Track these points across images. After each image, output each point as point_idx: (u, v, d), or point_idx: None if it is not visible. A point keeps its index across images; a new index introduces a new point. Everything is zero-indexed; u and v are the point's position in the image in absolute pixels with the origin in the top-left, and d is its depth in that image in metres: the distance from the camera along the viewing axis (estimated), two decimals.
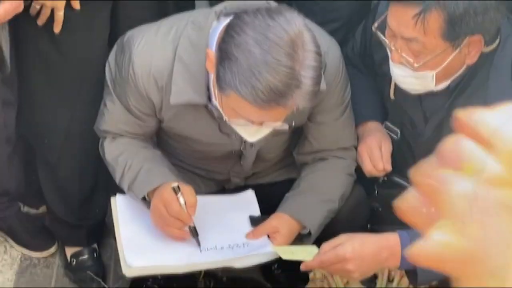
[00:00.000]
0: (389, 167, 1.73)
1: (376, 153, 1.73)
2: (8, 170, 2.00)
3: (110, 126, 1.70)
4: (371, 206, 1.89)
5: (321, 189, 1.72)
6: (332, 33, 1.77)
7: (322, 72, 1.44)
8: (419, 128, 1.76)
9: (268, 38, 1.36)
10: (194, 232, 1.62)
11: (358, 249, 1.49)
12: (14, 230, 2.14)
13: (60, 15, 1.68)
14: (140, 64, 1.57)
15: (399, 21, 1.52)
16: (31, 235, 2.16)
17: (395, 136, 1.82)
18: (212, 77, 1.49)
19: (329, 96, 1.67)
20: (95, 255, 2.11)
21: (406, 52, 1.54)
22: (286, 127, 1.55)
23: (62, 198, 2.05)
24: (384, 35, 1.59)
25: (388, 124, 1.83)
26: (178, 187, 1.58)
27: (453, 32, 1.49)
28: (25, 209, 2.21)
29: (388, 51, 1.60)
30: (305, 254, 1.57)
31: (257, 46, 1.36)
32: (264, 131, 1.56)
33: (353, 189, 1.78)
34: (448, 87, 1.63)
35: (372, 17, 1.75)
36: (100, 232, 2.16)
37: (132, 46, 1.59)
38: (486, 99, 1.57)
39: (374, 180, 1.88)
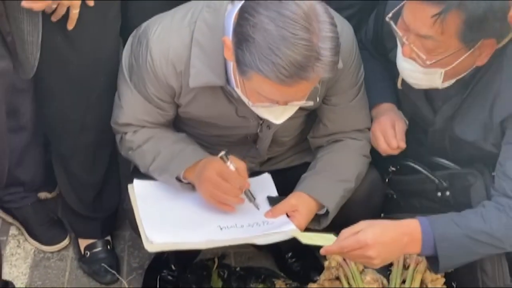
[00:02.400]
0: (403, 145, 1.74)
1: (389, 132, 1.74)
2: (23, 160, 2.01)
3: (130, 119, 1.71)
4: (385, 193, 1.91)
5: (338, 169, 1.73)
6: (347, 19, 1.79)
7: (338, 42, 1.45)
8: (428, 118, 1.78)
9: (282, 14, 1.38)
10: (251, 196, 1.66)
11: (379, 235, 1.49)
12: (29, 222, 2.16)
13: (75, 13, 1.72)
14: (158, 51, 1.59)
15: (416, 17, 1.52)
16: (45, 228, 2.16)
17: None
18: (232, 64, 1.51)
19: (343, 77, 1.69)
20: (108, 247, 2.12)
21: (419, 48, 1.54)
22: (311, 103, 1.56)
23: (76, 190, 2.05)
24: (396, 25, 1.58)
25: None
26: (226, 155, 1.61)
27: (470, 34, 1.49)
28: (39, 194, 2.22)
29: (398, 43, 1.60)
30: (324, 240, 1.57)
31: (272, 24, 1.38)
32: (289, 111, 1.57)
33: (368, 171, 1.80)
34: (457, 81, 1.64)
35: (385, 4, 1.77)
36: (114, 224, 2.16)
37: (148, 34, 1.61)
38: (499, 91, 1.60)
39: (388, 166, 1.91)
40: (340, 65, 1.61)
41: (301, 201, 1.67)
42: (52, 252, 2.15)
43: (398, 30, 1.58)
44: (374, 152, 1.83)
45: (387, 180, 1.92)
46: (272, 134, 1.76)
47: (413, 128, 1.84)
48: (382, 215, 1.92)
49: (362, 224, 1.51)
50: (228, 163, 1.60)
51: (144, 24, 1.67)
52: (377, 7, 1.87)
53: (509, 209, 1.54)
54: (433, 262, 1.58)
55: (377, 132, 1.75)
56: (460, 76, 1.63)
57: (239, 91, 1.57)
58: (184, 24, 1.60)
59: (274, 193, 1.75)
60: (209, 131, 1.77)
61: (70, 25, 1.74)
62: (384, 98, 1.84)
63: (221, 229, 1.63)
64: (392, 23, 1.59)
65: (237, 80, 1.54)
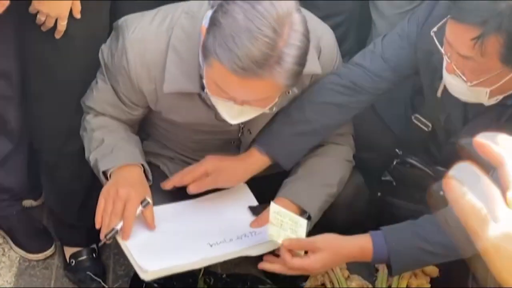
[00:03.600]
0: None
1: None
2: (9, 167, 2.01)
3: (95, 104, 1.73)
4: (386, 178, 1.92)
5: (319, 173, 1.73)
6: (334, 27, 1.80)
7: (307, 56, 1.45)
8: (455, 127, 1.75)
9: (255, 9, 1.39)
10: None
11: (328, 261, 1.58)
12: (14, 230, 2.15)
13: (63, 25, 1.75)
14: (134, 52, 1.60)
15: (456, 38, 1.49)
16: (30, 236, 2.15)
17: (426, 129, 1.82)
18: (202, 59, 1.51)
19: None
20: (94, 255, 2.10)
21: (461, 68, 1.51)
22: (268, 111, 1.55)
23: (61, 198, 2.05)
24: (441, 40, 1.54)
25: (419, 117, 1.82)
26: (147, 203, 1.61)
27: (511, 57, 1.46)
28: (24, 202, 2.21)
29: (444, 59, 1.56)
30: (290, 228, 1.57)
31: (242, 14, 1.38)
32: (248, 114, 1.56)
33: (352, 175, 1.79)
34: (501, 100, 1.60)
35: (427, 14, 1.69)
36: (99, 232, 2.15)
37: (126, 33, 1.62)
38: None
39: (389, 160, 1.91)
40: (318, 70, 1.62)
41: (282, 206, 1.65)
42: (37, 261, 2.13)
43: (442, 46, 1.53)
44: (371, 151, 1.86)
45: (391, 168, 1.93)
46: (253, 139, 1.75)
47: (430, 134, 1.83)
48: (379, 194, 1.94)
49: (318, 243, 1.56)
50: (142, 205, 1.60)
51: (124, 18, 1.67)
52: (413, 15, 1.77)
53: None
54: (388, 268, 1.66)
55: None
56: (508, 93, 1.58)
57: (206, 89, 1.55)
58: (162, 28, 1.61)
59: (253, 202, 1.74)
60: (191, 137, 1.77)
61: (58, 35, 1.77)
62: None
63: (211, 246, 1.62)
64: (435, 38, 1.54)
65: (203, 69, 1.53)
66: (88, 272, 2.06)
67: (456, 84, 1.56)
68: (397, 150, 1.88)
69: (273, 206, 1.58)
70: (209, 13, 1.52)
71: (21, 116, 1.98)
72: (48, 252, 2.14)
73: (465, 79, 1.51)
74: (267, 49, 1.37)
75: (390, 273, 1.67)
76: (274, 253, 1.62)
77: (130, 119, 1.74)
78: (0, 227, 2.16)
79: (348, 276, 1.88)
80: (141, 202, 1.60)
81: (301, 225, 1.55)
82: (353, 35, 2.23)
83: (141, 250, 1.60)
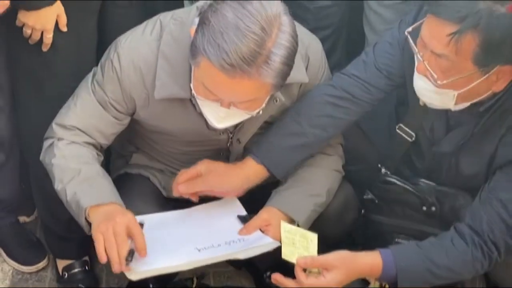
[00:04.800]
0: None
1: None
2: (0, 178, 2.01)
3: (79, 122, 1.66)
4: (368, 197, 1.91)
5: (308, 183, 1.73)
6: (322, 40, 1.81)
7: (295, 57, 1.46)
8: (438, 135, 1.76)
9: (245, 8, 1.40)
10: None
11: (343, 280, 1.58)
12: (7, 242, 2.15)
13: (49, 38, 1.76)
14: (127, 59, 1.61)
15: (432, 34, 1.50)
16: (23, 248, 2.15)
17: (409, 139, 1.82)
18: (191, 60, 1.50)
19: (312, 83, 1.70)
20: (86, 267, 2.10)
21: (433, 67, 1.52)
22: (254, 113, 1.55)
23: (52, 210, 2.04)
24: (415, 42, 1.56)
25: (403, 126, 1.82)
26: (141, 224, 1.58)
27: (485, 58, 1.47)
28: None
29: (416, 59, 1.58)
30: (303, 245, 1.58)
31: (231, 13, 1.40)
32: (234, 118, 1.56)
33: (342, 186, 1.79)
34: (478, 108, 1.61)
35: (412, 20, 1.69)
36: (91, 244, 2.14)
37: (118, 44, 1.63)
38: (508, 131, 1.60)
39: (372, 177, 1.91)
40: (305, 79, 1.63)
41: (272, 215, 1.66)
42: (30, 273, 2.13)
43: (416, 46, 1.55)
44: (356, 164, 1.85)
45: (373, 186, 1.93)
46: (243, 148, 1.76)
47: (413, 144, 1.82)
48: (363, 211, 1.93)
49: (332, 261, 1.57)
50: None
51: (117, 38, 1.68)
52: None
53: (474, 247, 1.59)
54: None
55: None
56: (474, 101, 1.60)
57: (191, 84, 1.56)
58: (153, 36, 1.62)
59: (242, 212, 1.74)
60: (180, 147, 1.77)
61: (45, 48, 1.79)
62: None
63: (198, 250, 1.62)
64: (409, 38, 1.56)
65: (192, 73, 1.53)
66: (80, 285, 2.06)
67: (424, 86, 1.58)
68: (379, 165, 1.88)
69: (284, 225, 1.59)
70: (197, 20, 1.53)
71: (12, 127, 1.99)
72: (41, 265, 2.14)
73: (435, 77, 1.52)
74: (256, 46, 1.39)
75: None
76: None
77: (108, 133, 1.70)
78: None
79: None
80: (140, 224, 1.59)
81: (312, 240, 1.55)
82: (341, 48, 2.25)
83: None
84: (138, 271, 1.55)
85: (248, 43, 1.38)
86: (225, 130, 1.68)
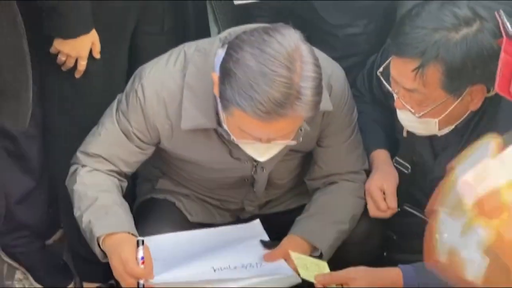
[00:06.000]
0: (394, 205, 1.78)
1: (377, 194, 1.78)
2: (30, 204, 2.07)
3: (102, 150, 1.72)
4: (386, 234, 1.92)
5: (331, 211, 1.75)
6: (352, 67, 1.88)
7: (322, 83, 1.49)
8: (428, 164, 1.80)
9: (264, 51, 1.43)
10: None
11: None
12: (35, 267, 2.20)
13: (83, 64, 1.85)
14: (151, 90, 1.64)
15: (399, 73, 1.58)
16: (51, 272, 2.20)
17: (405, 171, 1.85)
18: (220, 105, 1.55)
19: (336, 119, 1.73)
20: None
21: (409, 102, 1.59)
22: (294, 143, 1.58)
23: (80, 234, 2.09)
24: (389, 79, 1.63)
25: (399, 159, 1.86)
26: (142, 242, 1.60)
27: (452, 84, 1.54)
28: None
29: (394, 94, 1.65)
30: (316, 270, 1.61)
31: (254, 60, 1.42)
32: (274, 149, 1.60)
33: (365, 212, 1.80)
34: (456, 126, 1.68)
35: (380, 59, 1.81)
36: None
37: (143, 74, 1.67)
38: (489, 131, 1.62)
39: None
40: (330, 107, 1.66)
41: (294, 244, 1.69)
42: None
43: (389, 84, 1.62)
44: None
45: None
46: (267, 176, 1.79)
47: (414, 175, 1.85)
48: (385, 254, 1.94)
49: (351, 274, 1.60)
50: (140, 248, 1.58)
51: (141, 67, 1.73)
52: (374, 60, 1.90)
53: None
54: None
55: (367, 197, 1.80)
56: (458, 122, 1.66)
57: (225, 127, 1.59)
58: (177, 67, 1.66)
59: (265, 237, 1.77)
60: (206, 174, 1.80)
61: (78, 75, 1.87)
62: (378, 145, 1.87)
63: (214, 270, 1.65)
64: (381, 77, 1.64)
65: (223, 117, 1.57)
66: None
67: (407, 119, 1.65)
68: None
69: (293, 255, 1.63)
70: (221, 51, 1.58)
71: (43, 155, 2.04)
72: None
73: (413, 110, 1.59)
74: (286, 88, 1.41)
75: None
76: None
77: (132, 162, 1.74)
78: (21, 264, 2.21)
79: None
80: (137, 242, 1.61)
81: (324, 267, 1.61)
82: None
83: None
84: (153, 282, 1.58)
85: (278, 87, 1.41)
86: (250, 158, 1.70)
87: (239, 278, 1.64)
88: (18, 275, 2.23)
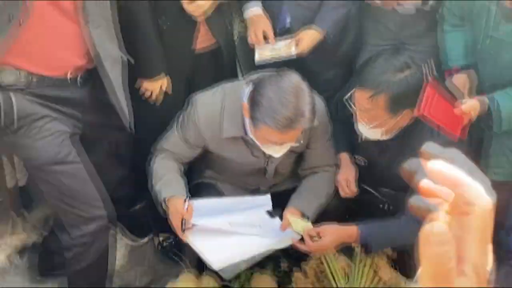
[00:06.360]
0: (354, 190, 2.74)
1: (343, 183, 2.75)
2: (123, 185, 3.07)
3: (169, 146, 2.69)
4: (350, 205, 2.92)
5: (314, 190, 2.74)
6: (327, 97, 2.79)
7: (314, 105, 2.38)
8: (375, 159, 2.73)
9: (280, 87, 2.32)
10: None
11: (333, 242, 2.52)
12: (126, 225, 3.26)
13: (160, 98, 2.90)
14: (202, 113, 2.61)
15: (359, 99, 2.41)
16: (137, 228, 3.29)
17: (362, 164, 2.81)
18: (248, 120, 2.48)
19: (319, 132, 2.71)
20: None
21: (364, 118, 2.45)
22: (297, 145, 2.55)
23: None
24: (352, 104, 2.49)
25: (357, 157, 2.82)
26: (188, 198, 2.53)
27: (393, 108, 2.36)
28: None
29: (354, 114, 2.53)
30: (302, 225, 2.58)
31: (272, 92, 2.32)
32: (284, 149, 2.53)
33: (337, 193, 2.79)
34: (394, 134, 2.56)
35: (346, 91, 2.66)
36: None
37: (196, 101, 2.64)
38: (411, 138, 2.52)
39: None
40: (316, 123, 2.61)
41: (291, 212, 2.63)
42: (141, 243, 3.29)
43: (353, 106, 2.49)
44: None
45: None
46: (275, 167, 2.78)
47: (369, 166, 2.81)
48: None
49: (324, 228, 2.52)
50: (186, 202, 2.49)
51: (195, 96, 2.67)
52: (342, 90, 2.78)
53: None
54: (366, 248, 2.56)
55: (341, 181, 2.75)
56: (395, 131, 2.53)
57: (252, 137, 2.52)
58: (218, 98, 2.61)
59: (270, 208, 2.71)
60: (234, 167, 2.78)
61: (158, 103, 2.91)
62: (342, 148, 2.83)
63: (230, 224, 2.59)
64: (347, 102, 2.52)
65: (251, 131, 2.50)
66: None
67: (362, 129, 2.54)
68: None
69: (290, 218, 2.57)
70: (246, 88, 2.53)
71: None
72: (147, 238, 3.28)
73: (366, 124, 2.46)
74: (295, 109, 2.29)
75: (369, 251, 2.52)
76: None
77: (188, 156, 2.73)
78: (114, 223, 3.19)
79: (335, 255, 2.84)
80: (184, 201, 2.51)
81: (309, 225, 2.56)
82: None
83: (206, 249, 2.52)
84: (217, 266, 2.49)
85: (291, 110, 2.27)
86: (264, 156, 2.66)
87: (244, 233, 2.58)
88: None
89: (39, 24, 2.29)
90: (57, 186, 2.50)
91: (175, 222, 2.50)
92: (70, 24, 2.38)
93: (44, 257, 3.02)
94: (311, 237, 2.52)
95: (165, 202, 2.53)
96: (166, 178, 2.61)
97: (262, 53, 2.85)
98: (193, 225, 2.52)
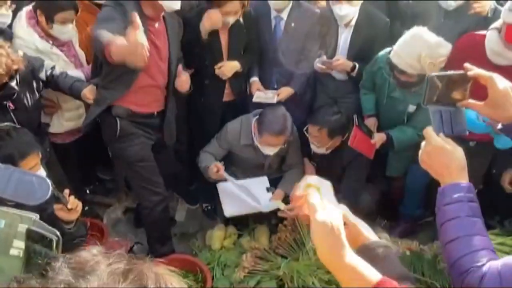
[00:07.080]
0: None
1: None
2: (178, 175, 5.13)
3: (210, 150, 4.62)
4: None
5: (290, 179, 4.68)
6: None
7: (291, 127, 4.44)
8: (323, 160, 4.73)
9: (273, 114, 4.29)
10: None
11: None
12: (186, 196, 5.33)
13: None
14: (230, 134, 4.67)
15: (312, 130, 4.24)
16: (194, 200, 5.36)
17: (315, 165, 4.89)
18: (255, 133, 4.50)
19: (293, 143, 4.71)
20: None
21: (314, 141, 4.30)
22: (283, 147, 4.54)
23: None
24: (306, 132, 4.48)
25: (311, 162, 4.91)
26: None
27: (332, 136, 4.19)
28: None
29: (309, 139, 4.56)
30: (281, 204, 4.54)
31: (270, 116, 4.31)
32: (275, 149, 4.51)
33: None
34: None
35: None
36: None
37: (227, 126, 4.69)
38: (339, 151, 4.57)
39: None
40: (291, 137, 4.61)
41: (278, 192, 4.68)
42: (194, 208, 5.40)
43: (310, 134, 4.49)
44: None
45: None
46: (269, 163, 4.80)
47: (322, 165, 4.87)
48: None
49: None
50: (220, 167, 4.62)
51: (226, 124, 4.80)
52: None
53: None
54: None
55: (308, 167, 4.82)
56: (333, 148, 4.50)
57: (257, 143, 4.54)
58: (238, 124, 4.66)
59: (268, 185, 4.74)
60: (245, 162, 4.81)
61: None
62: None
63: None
64: (307, 132, 4.52)
65: (257, 139, 4.51)
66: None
67: (314, 148, 4.46)
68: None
69: (277, 192, 4.68)
70: (253, 118, 4.60)
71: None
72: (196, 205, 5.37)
73: (317, 145, 4.41)
74: (282, 124, 4.32)
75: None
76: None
77: (220, 154, 4.64)
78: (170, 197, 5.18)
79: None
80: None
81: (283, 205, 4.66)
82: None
83: (227, 201, 4.64)
84: (229, 213, 4.65)
85: (280, 124, 4.24)
86: (263, 156, 4.66)
87: (249, 198, 4.64)
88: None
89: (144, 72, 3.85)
90: (140, 174, 4.22)
91: (211, 175, 4.43)
92: (162, 64, 3.96)
93: (136, 215, 5.03)
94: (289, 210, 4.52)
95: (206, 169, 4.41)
96: (207, 160, 4.58)
97: (258, 97, 4.75)
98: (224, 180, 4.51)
